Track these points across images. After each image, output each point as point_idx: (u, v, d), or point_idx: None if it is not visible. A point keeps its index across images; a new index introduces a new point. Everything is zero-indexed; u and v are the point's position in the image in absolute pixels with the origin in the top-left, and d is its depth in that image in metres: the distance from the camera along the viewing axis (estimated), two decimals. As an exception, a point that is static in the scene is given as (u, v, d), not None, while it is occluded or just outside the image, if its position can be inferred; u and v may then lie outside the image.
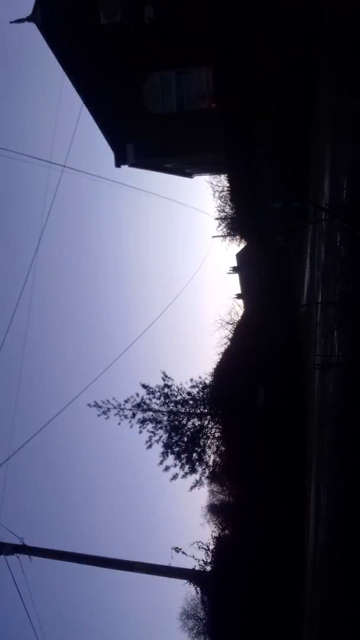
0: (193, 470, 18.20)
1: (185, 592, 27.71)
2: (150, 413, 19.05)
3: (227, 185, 21.36)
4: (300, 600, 10.71)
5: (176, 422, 18.81)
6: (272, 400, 15.61)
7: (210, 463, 18.46)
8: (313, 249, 12.25)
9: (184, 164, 23.50)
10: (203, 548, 14.90)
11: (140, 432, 18.86)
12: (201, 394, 19.11)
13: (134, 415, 19.09)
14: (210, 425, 18.79)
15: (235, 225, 25.50)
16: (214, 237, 29.84)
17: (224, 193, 24.65)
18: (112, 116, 18.59)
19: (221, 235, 29.11)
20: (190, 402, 19.06)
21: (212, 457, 18.52)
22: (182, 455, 18.32)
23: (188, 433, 18.63)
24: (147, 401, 19.16)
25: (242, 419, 16.11)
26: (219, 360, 19.56)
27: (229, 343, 20.85)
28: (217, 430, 18.60)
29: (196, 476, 18.25)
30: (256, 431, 15.17)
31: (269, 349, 15.78)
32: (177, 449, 18.42)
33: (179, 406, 19.06)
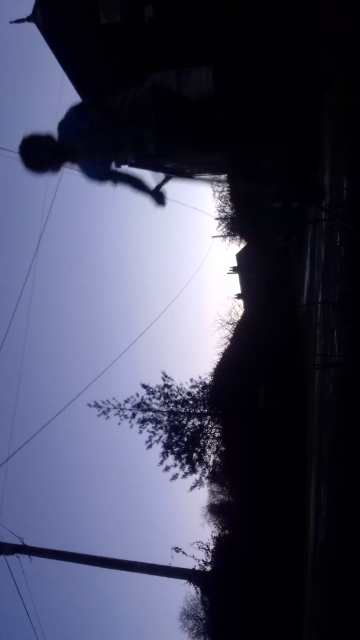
0: (193, 470, 18.20)
1: (185, 592, 27.70)
2: (150, 413, 19.05)
3: (227, 185, 21.36)
4: (300, 600, 10.71)
5: (176, 422, 18.81)
6: (272, 400, 15.61)
7: (210, 463, 18.47)
8: (313, 249, 12.25)
9: (184, 164, 23.50)
10: (203, 548, 14.90)
11: (140, 432, 18.88)
12: (201, 394, 19.11)
13: (134, 415, 19.10)
14: (210, 425, 18.79)
15: (235, 225, 25.50)
16: (214, 237, 29.84)
17: (224, 193, 24.65)
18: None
19: (221, 235, 29.12)
20: (190, 402, 19.07)
21: (212, 457, 18.52)
22: (182, 455, 18.32)
23: (188, 433, 18.63)
24: (147, 401, 19.17)
25: (242, 419, 16.11)
26: (218, 360, 19.57)
27: (228, 343, 20.85)
28: (217, 430, 18.60)
29: (196, 476, 18.26)
30: (256, 431, 15.17)
31: (269, 349, 15.77)
32: (177, 449, 18.42)
33: (179, 406, 19.07)
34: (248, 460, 15.23)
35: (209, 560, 14.62)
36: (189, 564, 14.38)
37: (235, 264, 30.10)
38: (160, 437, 18.58)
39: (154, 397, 19.14)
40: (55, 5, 17.22)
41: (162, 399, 19.13)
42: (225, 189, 23.66)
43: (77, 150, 3.93)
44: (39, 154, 3.91)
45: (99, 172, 4.07)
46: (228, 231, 27.99)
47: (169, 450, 18.35)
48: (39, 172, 3.94)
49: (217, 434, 18.59)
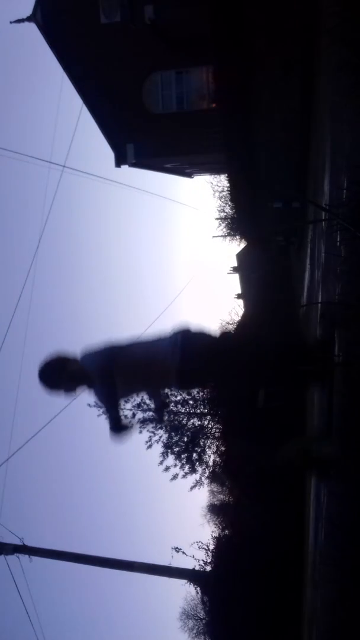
0: (193, 470, 18.20)
1: (185, 592, 27.73)
2: (150, 413, 19.04)
3: (227, 185, 21.38)
4: (300, 600, 10.72)
5: (176, 422, 18.81)
6: (272, 401, 15.59)
7: (210, 463, 18.46)
8: (313, 249, 12.25)
9: (184, 164, 23.52)
10: (203, 548, 14.88)
11: (140, 432, 18.85)
12: (201, 393, 19.10)
13: (134, 415, 19.08)
14: (210, 425, 18.78)
15: (235, 225, 25.52)
16: (214, 237, 29.88)
17: (224, 193, 24.67)
18: (112, 116, 18.62)
19: (221, 235, 29.14)
20: (190, 402, 19.06)
21: (212, 457, 18.52)
22: (182, 456, 18.31)
23: (188, 433, 18.63)
24: (147, 401, 19.15)
25: (242, 419, 16.11)
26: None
27: (229, 343, 20.81)
28: (217, 431, 18.60)
29: (196, 476, 18.26)
30: (256, 431, 15.16)
31: (269, 349, 15.75)
32: (177, 449, 18.42)
33: (179, 406, 19.06)
34: (248, 460, 15.22)
35: (209, 560, 14.60)
36: (189, 564, 14.38)
37: (235, 264, 30.12)
38: (160, 437, 18.57)
39: (153, 397, 19.14)
40: (55, 5, 17.24)
41: (162, 399, 19.12)
42: (225, 189, 23.66)
43: (96, 379, 4.00)
44: (59, 375, 4.01)
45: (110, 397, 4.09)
46: (228, 231, 28.02)
47: (169, 450, 18.34)
48: (53, 391, 4.05)
49: (217, 434, 18.59)
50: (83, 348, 4.08)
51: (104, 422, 4.07)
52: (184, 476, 18.16)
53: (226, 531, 16.43)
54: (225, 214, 26.70)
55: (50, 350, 4.03)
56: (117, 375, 3.92)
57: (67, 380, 4.03)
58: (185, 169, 25.73)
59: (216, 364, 4.18)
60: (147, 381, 4.15)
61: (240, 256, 29.11)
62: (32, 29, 17.37)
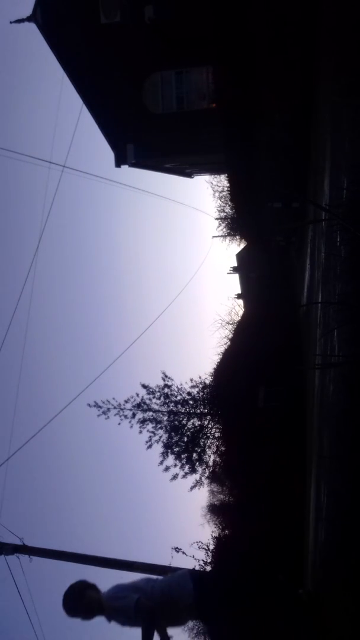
0: (193, 471, 18.19)
1: (185, 592, 27.61)
2: (150, 413, 19.05)
3: (227, 185, 21.39)
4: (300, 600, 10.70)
5: (176, 422, 18.81)
6: (272, 400, 15.61)
7: (210, 463, 18.46)
8: (313, 249, 12.25)
9: (184, 164, 23.52)
10: (203, 548, 14.88)
11: (140, 432, 18.87)
12: (201, 394, 19.11)
13: (134, 415, 19.10)
14: (210, 425, 18.78)
15: (235, 225, 25.51)
16: (214, 237, 29.88)
17: (224, 193, 24.66)
18: (112, 116, 18.61)
19: (221, 235, 29.13)
20: (190, 402, 19.06)
21: (212, 457, 18.52)
22: (182, 456, 18.31)
23: (188, 433, 18.63)
24: (147, 401, 19.16)
25: (242, 419, 16.11)
26: (219, 360, 19.57)
27: (229, 343, 20.86)
28: (217, 430, 18.60)
29: (196, 476, 18.25)
30: (256, 431, 15.16)
31: (269, 349, 15.78)
32: (177, 449, 18.42)
33: (179, 406, 19.06)
34: (248, 460, 15.22)
35: (209, 560, 14.60)
36: (189, 564, 14.36)
37: (235, 264, 30.13)
38: (160, 437, 18.57)
39: (154, 397, 19.14)
40: (55, 5, 17.23)
41: (162, 399, 19.12)
42: (225, 189, 23.68)
43: (114, 612, 4.65)
44: (79, 602, 4.56)
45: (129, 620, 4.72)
46: (228, 231, 28.01)
47: (169, 450, 18.34)
48: (71, 616, 4.59)
49: (217, 434, 18.59)
50: (111, 588, 4.69)
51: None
52: (184, 476, 18.17)
53: (226, 531, 16.43)
54: (225, 214, 26.71)
55: (77, 579, 4.63)
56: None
57: (85, 609, 4.61)
58: (185, 169, 25.74)
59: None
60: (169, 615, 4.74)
61: (240, 256, 29.12)
62: (32, 29, 17.38)
